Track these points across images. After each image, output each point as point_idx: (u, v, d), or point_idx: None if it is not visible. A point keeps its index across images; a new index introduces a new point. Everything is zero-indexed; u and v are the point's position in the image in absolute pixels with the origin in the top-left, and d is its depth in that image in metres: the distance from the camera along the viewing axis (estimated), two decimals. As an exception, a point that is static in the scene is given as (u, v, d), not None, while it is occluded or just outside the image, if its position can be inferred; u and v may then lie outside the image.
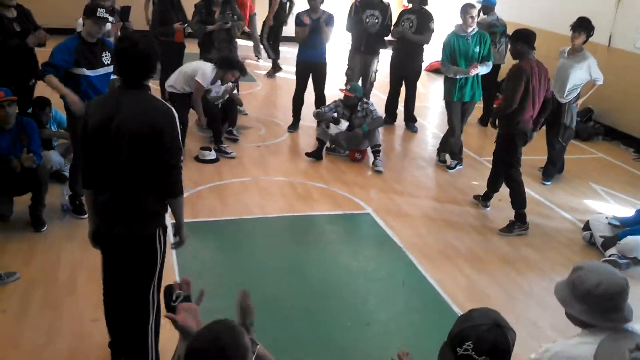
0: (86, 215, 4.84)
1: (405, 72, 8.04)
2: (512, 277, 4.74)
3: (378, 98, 8.75)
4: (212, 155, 6.61)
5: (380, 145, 6.82)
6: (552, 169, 6.71)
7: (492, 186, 5.87)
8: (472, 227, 5.59)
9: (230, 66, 6.57)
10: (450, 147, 6.95)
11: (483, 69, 6.54)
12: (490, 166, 5.94)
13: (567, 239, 5.49)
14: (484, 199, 5.98)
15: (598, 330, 2.17)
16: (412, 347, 3.71)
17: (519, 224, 5.50)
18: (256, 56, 10.74)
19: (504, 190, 6.34)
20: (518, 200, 5.54)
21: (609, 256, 4.91)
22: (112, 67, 4.68)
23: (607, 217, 5.31)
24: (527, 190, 6.42)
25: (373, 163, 6.81)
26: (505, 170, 5.58)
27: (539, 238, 5.47)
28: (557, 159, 6.69)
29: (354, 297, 4.34)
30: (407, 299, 4.41)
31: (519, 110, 5.22)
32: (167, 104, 2.98)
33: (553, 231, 5.64)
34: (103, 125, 2.81)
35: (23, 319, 3.78)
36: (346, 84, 7.21)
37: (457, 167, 6.91)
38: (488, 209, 5.94)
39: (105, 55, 4.71)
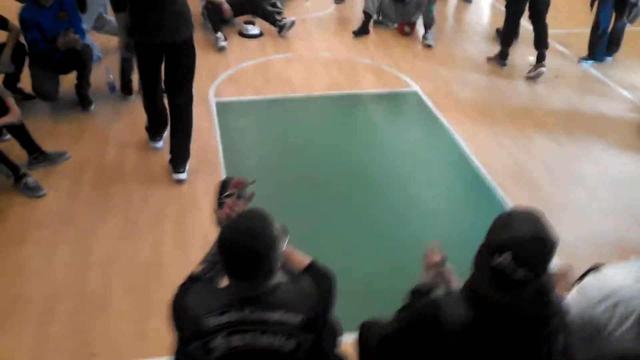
0: (132, 96, 4.90)
1: None
2: (562, 161, 4.59)
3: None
4: (255, 29, 6.43)
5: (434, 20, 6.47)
6: (613, 47, 6.23)
7: (539, 43, 5.76)
8: (524, 107, 5.36)
9: None
10: None
11: None
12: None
13: (624, 120, 5.23)
14: (538, 60, 5.83)
15: None
16: (452, 232, 3.77)
17: (499, 58, 6.07)
18: None
19: (563, 68, 6.05)
20: (505, 38, 6.03)
21: None
22: None
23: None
24: (585, 68, 6.11)
25: (423, 36, 6.51)
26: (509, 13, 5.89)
27: (593, 118, 5.23)
28: (619, 37, 6.17)
29: (397, 178, 4.31)
30: (452, 183, 4.36)
31: None
32: None
33: (610, 111, 5.37)
34: None
35: (75, 198, 3.93)
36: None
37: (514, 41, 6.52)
38: (543, 68, 5.79)
39: None
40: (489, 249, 1.66)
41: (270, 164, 4.39)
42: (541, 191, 4.22)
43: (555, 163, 4.57)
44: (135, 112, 4.72)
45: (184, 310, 1.81)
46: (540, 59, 5.80)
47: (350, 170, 4.37)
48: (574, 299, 1.92)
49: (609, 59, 6.25)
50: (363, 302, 3.13)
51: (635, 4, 5.86)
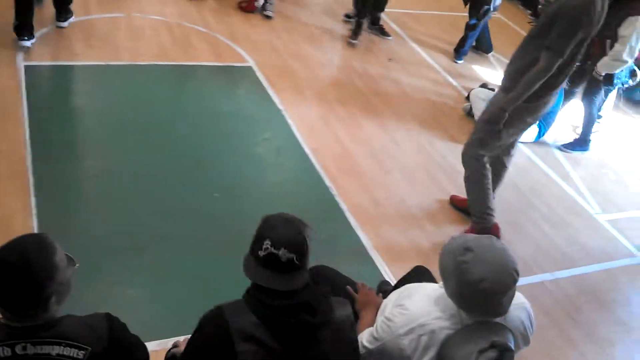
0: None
1: None
2: (388, 149, 4.67)
3: None
4: (78, -17, 5.80)
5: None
6: (463, 49, 6.22)
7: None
8: (356, 89, 5.37)
9: None
10: None
11: None
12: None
13: (448, 108, 5.44)
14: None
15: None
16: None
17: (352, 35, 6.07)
18: None
19: (397, 49, 6.16)
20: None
21: None
22: None
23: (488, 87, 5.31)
24: (423, 56, 6.26)
25: (262, 7, 6.26)
26: None
27: (421, 105, 5.38)
28: (471, 37, 6.18)
29: (226, 164, 4.13)
30: (282, 168, 4.27)
31: None
32: None
33: (436, 96, 5.57)
34: None
35: None
36: None
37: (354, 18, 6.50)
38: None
39: None
40: (253, 249, 1.76)
41: (84, 145, 4.00)
42: (365, 179, 4.27)
43: (381, 150, 4.64)
44: None
45: None
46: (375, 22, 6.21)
47: (175, 153, 4.10)
48: (382, 329, 1.97)
49: (459, 61, 6.27)
50: (188, 307, 2.97)
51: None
